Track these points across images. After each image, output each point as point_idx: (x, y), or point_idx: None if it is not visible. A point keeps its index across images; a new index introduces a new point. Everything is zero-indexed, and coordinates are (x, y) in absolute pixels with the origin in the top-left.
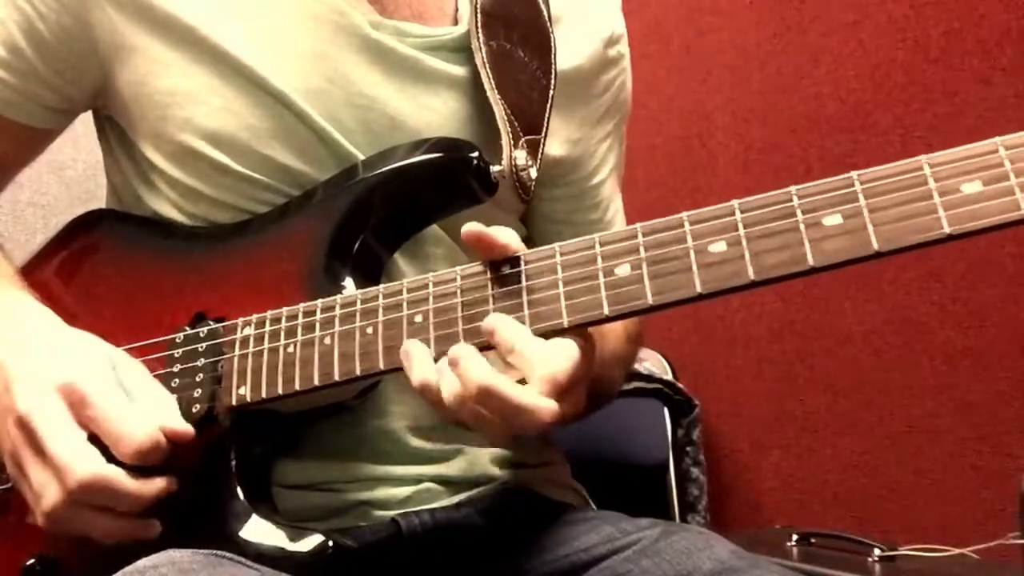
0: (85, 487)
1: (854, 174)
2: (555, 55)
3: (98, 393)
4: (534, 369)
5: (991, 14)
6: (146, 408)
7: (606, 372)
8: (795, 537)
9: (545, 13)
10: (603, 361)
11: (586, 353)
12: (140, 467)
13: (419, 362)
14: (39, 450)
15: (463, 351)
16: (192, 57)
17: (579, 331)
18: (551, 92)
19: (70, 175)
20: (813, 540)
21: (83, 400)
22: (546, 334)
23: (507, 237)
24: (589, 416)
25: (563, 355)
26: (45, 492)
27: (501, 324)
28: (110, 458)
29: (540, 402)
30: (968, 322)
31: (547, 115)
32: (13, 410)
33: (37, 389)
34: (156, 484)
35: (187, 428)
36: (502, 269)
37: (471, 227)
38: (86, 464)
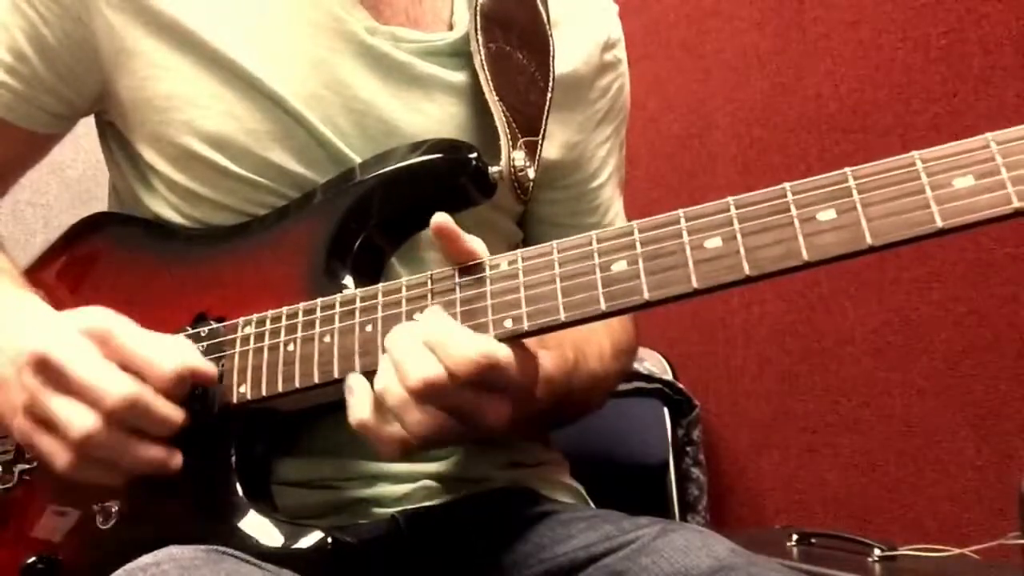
0: (125, 404)
1: (848, 170)
2: (553, 58)
3: (123, 327)
4: (450, 345)
5: (991, 14)
6: (170, 343)
7: (576, 392)
8: (795, 537)
9: (544, 16)
10: (573, 382)
11: (523, 366)
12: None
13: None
14: (64, 384)
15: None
16: (192, 61)
17: (521, 348)
18: (549, 94)
19: (70, 175)
20: (813, 540)
21: (109, 333)
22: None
23: (476, 245)
24: (543, 431)
25: (484, 340)
26: (76, 419)
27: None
28: None
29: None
30: (968, 322)
31: (545, 117)
32: (29, 355)
33: (58, 331)
34: (181, 412)
35: (210, 366)
36: (500, 265)
37: (440, 217)
38: (122, 385)
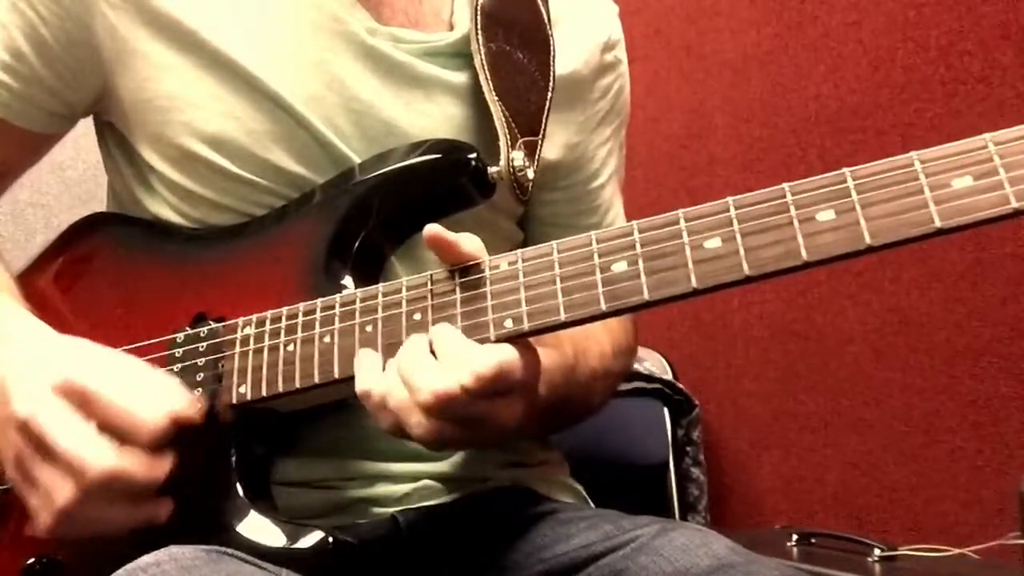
0: (104, 479)
1: (847, 170)
2: (554, 57)
3: (98, 385)
4: (461, 361)
5: (991, 14)
6: (150, 391)
7: (575, 390)
8: (795, 537)
9: (545, 16)
10: (572, 380)
11: (527, 364)
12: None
13: (367, 370)
14: (46, 451)
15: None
16: (193, 62)
17: (523, 343)
18: (549, 94)
19: (70, 175)
20: (813, 540)
21: (84, 394)
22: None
23: (471, 245)
24: (547, 431)
25: (494, 353)
26: (58, 491)
27: (439, 332)
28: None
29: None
30: (968, 322)
31: (545, 117)
32: (13, 416)
33: (35, 391)
34: (165, 462)
35: (194, 409)
36: (500, 266)
37: (431, 228)
38: (101, 457)
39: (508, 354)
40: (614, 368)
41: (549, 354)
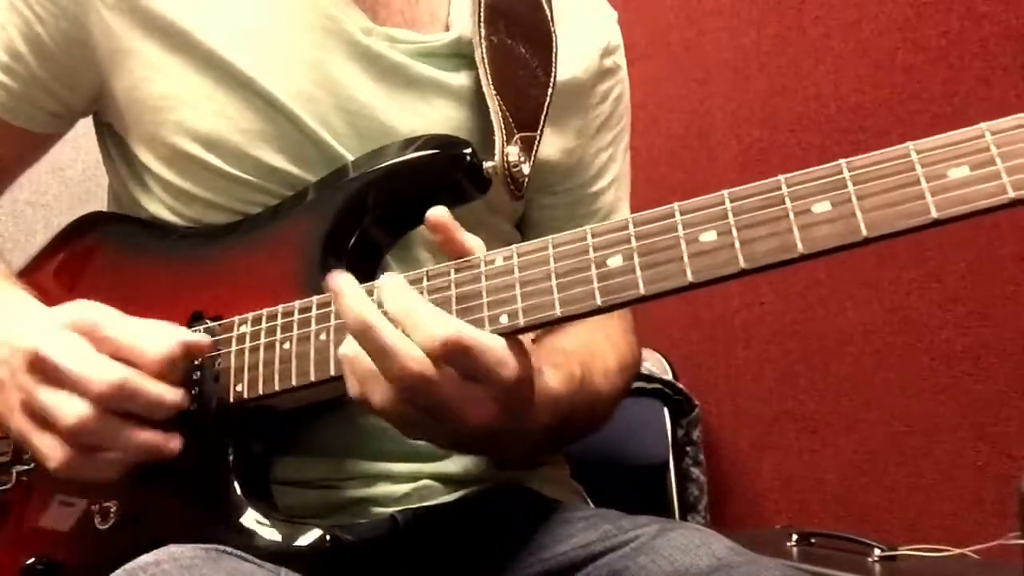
0: (113, 389)
1: (842, 162)
2: (556, 54)
3: (108, 316)
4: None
5: (991, 14)
6: (157, 327)
7: (579, 411)
8: (795, 537)
9: (548, 13)
10: (577, 400)
11: (517, 357)
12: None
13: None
14: (56, 379)
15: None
16: (186, 61)
17: (516, 347)
18: (550, 90)
19: (70, 175)
20: (813, 540)
21: (94, 326)
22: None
23: (472, 241)
24: (550, 451)
25: (468, 328)
26: (67, 409)
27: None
28: None
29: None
30: (968, 322)
31: (544, 113)
32: (20, 351)
33: (42, 328)
34: (176, 391)
35: (204, 338)
36: (495, 261)
37: (436, 211)
38: (112, 369)
39: (490, 339)
40: (617, 386)
41: (557, 376)
